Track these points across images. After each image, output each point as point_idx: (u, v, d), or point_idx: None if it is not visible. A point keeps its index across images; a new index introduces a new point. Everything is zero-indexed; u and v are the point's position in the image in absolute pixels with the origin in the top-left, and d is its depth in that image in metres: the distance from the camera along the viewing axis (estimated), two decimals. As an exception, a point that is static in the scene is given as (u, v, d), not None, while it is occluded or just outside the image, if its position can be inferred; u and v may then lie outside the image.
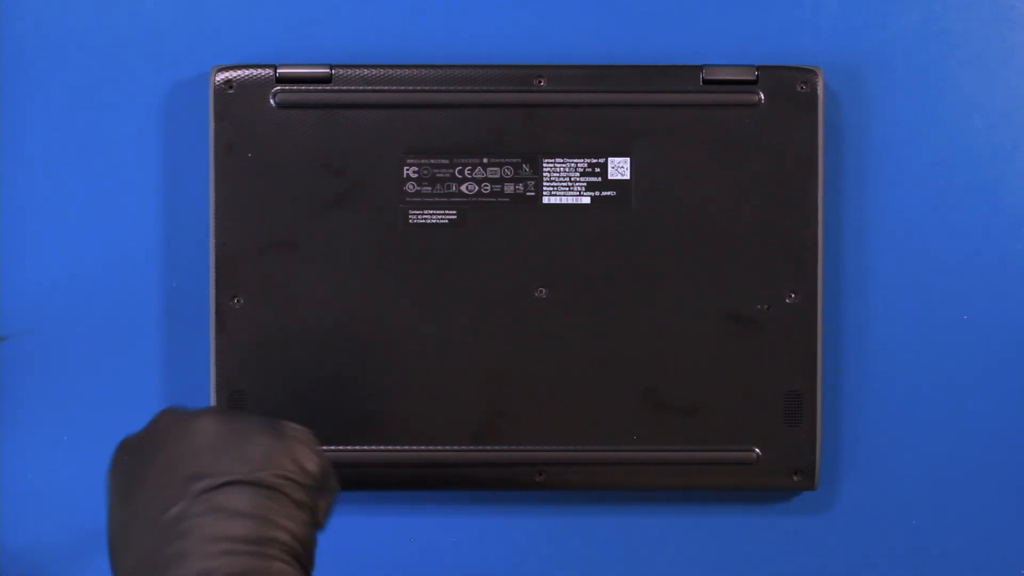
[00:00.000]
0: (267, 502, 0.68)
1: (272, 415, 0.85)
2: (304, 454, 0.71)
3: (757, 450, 0.87)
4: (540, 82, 0.86)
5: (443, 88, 0.86)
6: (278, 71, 0.86)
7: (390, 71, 0.86)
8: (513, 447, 0.86)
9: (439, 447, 0.86)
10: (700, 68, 0.86)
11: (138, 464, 0.70)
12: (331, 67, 0.86)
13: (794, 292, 0.86)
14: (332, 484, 0.72)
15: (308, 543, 0.70)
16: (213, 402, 0.85)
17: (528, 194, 0.86)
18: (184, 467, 0.69)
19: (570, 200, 0.86)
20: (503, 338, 0.86)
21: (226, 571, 0.66)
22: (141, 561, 0.67)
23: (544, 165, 0.86)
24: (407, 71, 0.86)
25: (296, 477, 0.70)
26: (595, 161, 0.86)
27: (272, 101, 0.85)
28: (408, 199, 0.86)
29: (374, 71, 0.86)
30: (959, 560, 0.90)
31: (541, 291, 0.86)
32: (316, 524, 0.71)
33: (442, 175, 0.86)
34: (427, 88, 0.86)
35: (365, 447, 0.86)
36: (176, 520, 0.67)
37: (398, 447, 0.86)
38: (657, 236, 0.86)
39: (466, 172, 0.86)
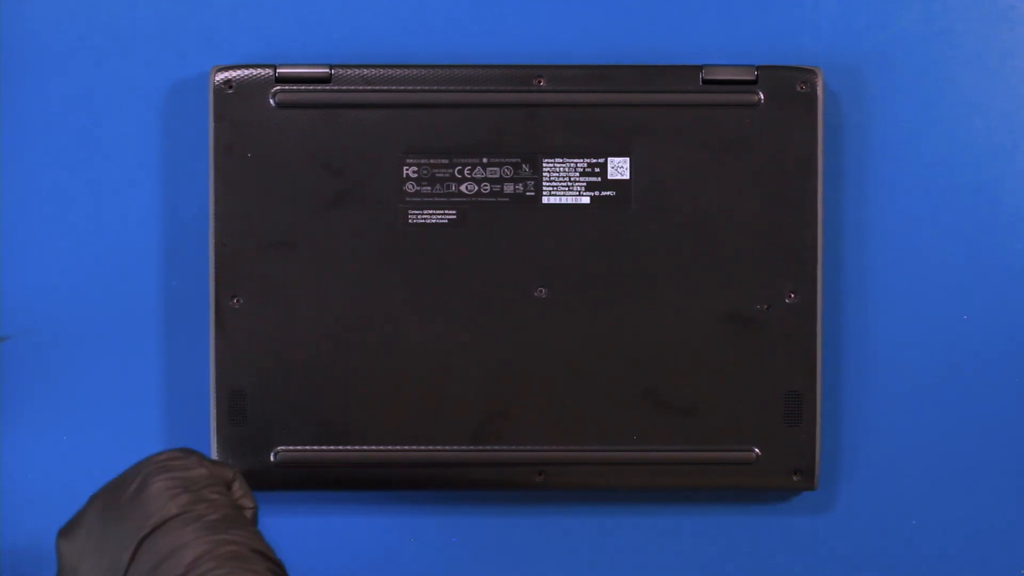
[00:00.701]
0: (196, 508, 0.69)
1: (272, 415, 0.86)
2: (253, 526, 0.72)
3: (757, 450, 0.87)
4: (540, 82, 0.86)
5: (443, 88, 0.86)
6: (278, 71, 0.86)
7: (390, 71, 0.86)
8: (513, 447, 0.86)
9: (439, 447, 0.86)
10: (700, 68, 0.86)
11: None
12: (331, 67, 0.86)
13: (794, 292, 0.86)
14: (223, 472, 0.73)
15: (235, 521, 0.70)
16: (213, 401, 0.85)
17: (528, 194, 0.86)
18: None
19: (570, 200, 0.86)
20: (503, 338, 0.86)
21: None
22: None
23: (544, 165, 0.86)
24: (407, 71, 0.86)
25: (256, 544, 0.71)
26: (595, 161, 0.86)
27: (272, 101, 0.85)
28: (408, 199, 0.86)
29: (374, 71, 0.86)
30: (959, 560, 0.90)
31: (541, 291, 0.86)
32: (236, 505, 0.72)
33: (442, 175, 0.86)
34: (427, 88, 0.86)
35: (365, 447, 0.86)
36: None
37: (398, 447, 0.86)
38: (657, 236, 0.86)
39: (466, 172, 0.86)
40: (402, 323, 0.86)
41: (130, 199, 0.88)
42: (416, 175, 0.86)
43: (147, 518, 0.70)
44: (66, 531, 0.73)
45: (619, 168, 0.86)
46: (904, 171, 0.89)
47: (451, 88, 0.86)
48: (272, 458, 0.86)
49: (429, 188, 0.86)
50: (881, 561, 0.90)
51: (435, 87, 0.86)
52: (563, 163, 0.86)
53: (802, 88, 0.86)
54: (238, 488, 0.73)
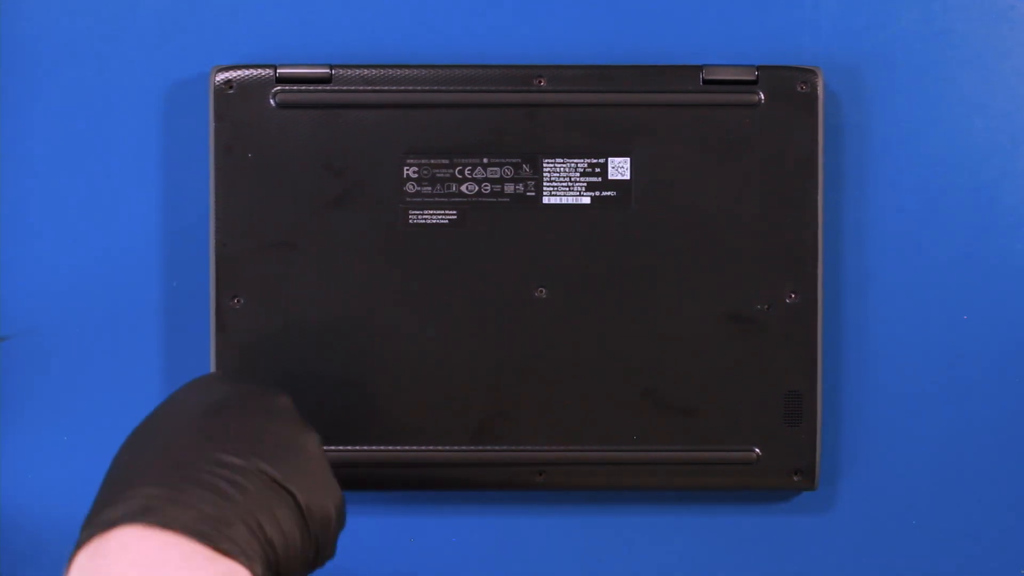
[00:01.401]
0: (296, 532, 0.70)
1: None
2: (341, 509, 0.73)
3: (757, 450, 0.87)
4: (540, 82, 0.86)
5: (443, 88, 0.86)
6: (278, 71, 0.86)
7: (390, 71, 0.86)
8: (513, 447, 0.86)
9: (439, 447, 0.86)
10: (700, 68, 0.86)
11: (223, 404, 0.71)
12: (331, 67, 0.86)
13: (794, 292, 0.86)
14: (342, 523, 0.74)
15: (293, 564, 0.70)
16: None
17: (528, 194, 0.86)
18: (262, 440, 0.70)
19: (570, 200, 0.86)
20: (503, 338, 0.86)
21: (244, 536, 0.66)
22: (179, 463, 0.68)
23: (544, 165, 0.86)
24: (407, 71, 0.86)
25: (330, 530, 0.72)
26: (595, 161, 0.86)
27: (272, 101, 0.85)
28: (408, 199, 0.86)
29: (374, 71, 0.86)
30: (959, 560, 0.90)
31: (541, 291, 0.86)
32: (315, 562, 0.72)
33: (442, 175, 0.86)
34: (427, 88, 0.86)
35: (365, 447, 0.86)
36: (231, 466, 0.68)
37: (398, 447, 0.86)
38: (657, 236, 0.86)
39: (466, 172, 0.86)
40: (402, 323, 0.86)
41: (130, 199, 0.88)
42: (416, 175, 0.86)
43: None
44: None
45: (619, 168, 0.86)
46: (904, 171, 0.89)
47: (451, 88, 0.86)
48: (272, 458, 0.86)
49: (429, 188, 0.86)
50: (881, 561, 0.90)
51: (435, 87, 0.86)
52: (563, 163, 0.86)
53: (802, 88, 0.86)
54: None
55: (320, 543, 0.71)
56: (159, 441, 0.70)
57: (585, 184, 0.86)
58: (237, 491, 0.67)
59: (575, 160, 0.86)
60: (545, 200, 0.86)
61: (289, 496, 0.69)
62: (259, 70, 0.86)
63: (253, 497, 0.67)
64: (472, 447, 0.86)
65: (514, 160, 0.86)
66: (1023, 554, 0.90)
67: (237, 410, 0.72)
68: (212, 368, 0.86)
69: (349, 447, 0.86)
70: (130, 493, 0.66)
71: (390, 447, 0.86)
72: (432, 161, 0.86)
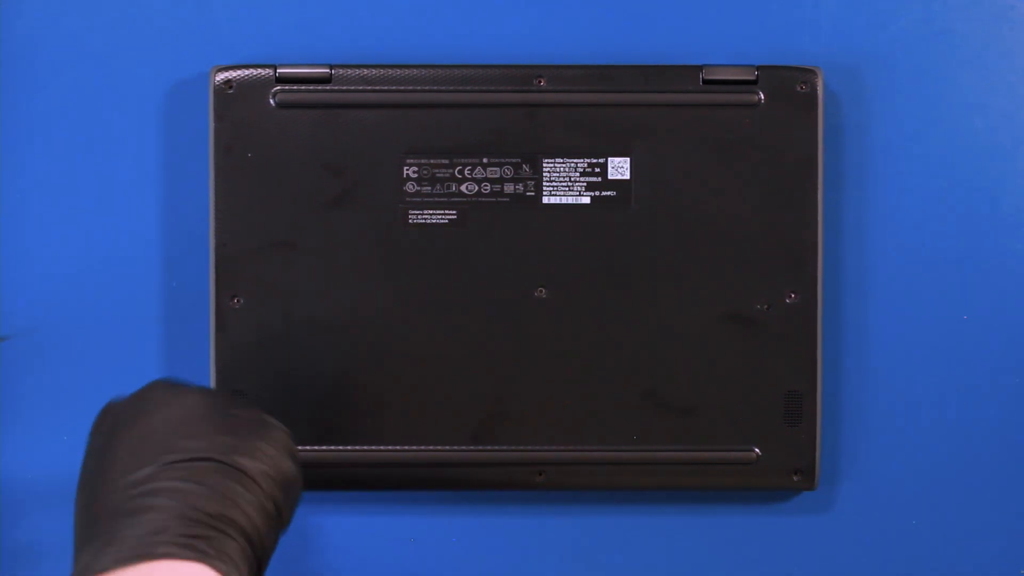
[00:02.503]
0: (235, 485, 0.69)
1: (272, 415, 0.86)
2: (280, 453, 0.71)
3: (757, 450, 0.87)
4: (540, 82, 0.86)
5: (443, 88, 0.86)
6: (278, 71, 0.86)
7: (390, 71, 0.86)
8: (513, 447, 0.86)
9: (439, 447, 0.86)
10: (700, 68, 0.86)
11: (118, 425, 0.71)
12: (331, 67, 0.86)
13: (794, 292, 0.86)
14: (299, 488, 0.72)
15: (268, 536, 0.70)
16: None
17: (528, 194, 0.86)
18: (160, 437, 0.69)
19: (570, 200, 0.86)
20: (503, 338, 0.86)
21: (179, 532, 0.66)
22: (100, 510, 0.67)
23: (544, 165, 0.86)
24: (407, 71, 0.86)
25: (269, 471, 0.70)
26: (595, 161, 0.86)
27: (272, 101, 0.85)
28: (408, 199, 0.86)
29: (374, 71, 0.86)
30: (959, 560, 0.90)
31: (541, 291, 0.86)
32: (281, 522, 0.71)
33: (442, 175, 0.86)
34: (427, 88, 0.86)
35: (364, 447, 0.86)
36: (142, 480, 0.68)
37: (398, 447, 0.86)
38: (657, 236, 0.86)
39: (466, 172, 0.86)
40: (402, 323, 0.86)
41: (130, 199, 0.88)
42: (416, 175, 0.86)
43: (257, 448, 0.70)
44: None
45: (619, 168, 0.86)
46: (904, 171, 0.89)
47: (451, 88, 0.86)
48: (272, 458, 0.86)
49: (429, 188, 0.86)
50: (881, 561, 0.90)
51: (435, 87, 0.86)
52: (563, 163, 0.86)
53: (802, 88, 0.86)
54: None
55: (274, 478, 0.70)
56: (80, 500, 0.70)
57: (585, 184, 0.86)
58: (157, 498, 0.67)
59: (575, 160, 0.86)
60: (545, 200, 0.86)
61: (209, 462, 0.69)
62: (259, 70, 0.86)
63: (175, 492, 0.67)
64: (472, 447, 0.86)
65: (514, 160, 0.86)
66: (1023, 554, 0.90)
67: (127, 425, 0.71)
68: (212, 368, 0.86)
69: (349, 447, 0.86)
70: (75, 568, 0.67)
71: (390, 447, 0.86)
72: (432, 161, 0.86)
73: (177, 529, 0.66)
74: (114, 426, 0.71)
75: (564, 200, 0.86)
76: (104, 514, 0.68)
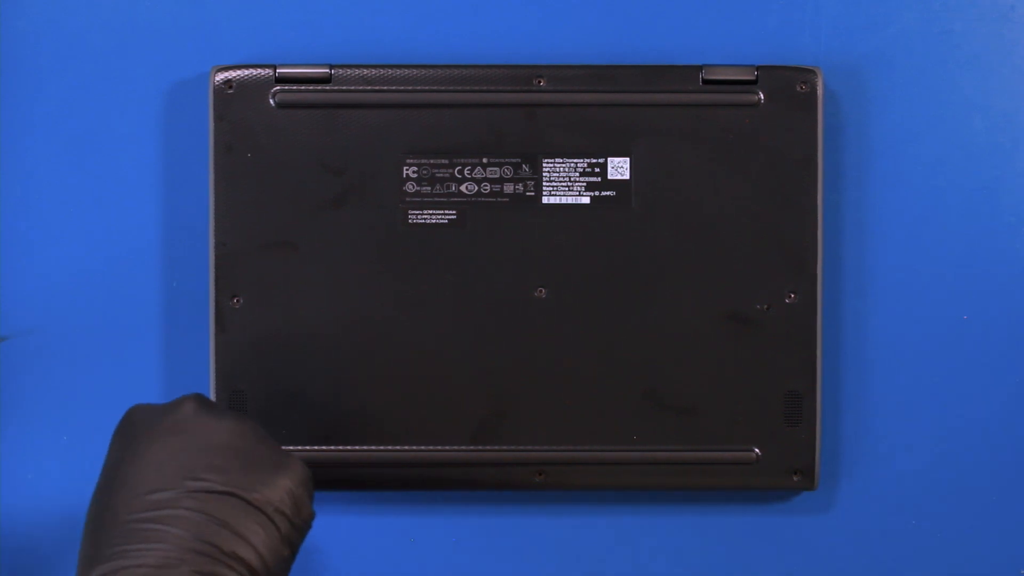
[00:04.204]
0: (253, 524, 0.69)
1: (272, 415, 0.86)
2: (303, 495, 0.71)
3: (757, 450, 0.87)
4: (540, 82, 0.86)
5: (443, 88, 0.86)
6: (278, 71, 0.86)
7: (390, 71, 0.86)
8: (513, 447, 0.86)
9: (439, 447, 0.86)
10: (700, 68, 0.86)
11: (146, 438, 0.70)
12: (331, 67, 0.86)
13: (794, 292, 0.86)
14: (309, 527, 0.73)
15: None
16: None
17: (528, 194, 0.86)
18: (187, 460, 0.69)
19: (570, 200, 0.86)
20: (503, 338, 0.86)
21: (189, 567, 0.66)
22: (113, 525, 0.67)
23: (544, 165, 0.86)
24: (407, 71, 0.86)
25: (289, 514, 0.70)
26: (595, 161, 0.86)
27: (272, 101, 0.85)
28: (408, 199, 0.86)
29: (374, 71, 0.86)
30: (959, 560, 0.90)
31: (541, 291, 0.86)
32: (291, 562, 0.71)
33: (442, 175, 0.86)
34: (427, 88, 0.86)
35: (365, 447, 0.86)
36: (162, 503, 0.68)
37: (398, 447, 0.86)
38: (657, 236, 0.86)
39: (466, 172, 0.86)
40: (402, 323, 0.86)
41: (130, 199, 0.88)
42: (416, 175, 0.86)
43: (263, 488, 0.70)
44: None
45: (619, 168, 0.86)
46: (904, 171, 0.89)
47: (451, 88, 0.86)
48: (272, 458, 0.86)
49: (429, 188, 0.86)
50: (881, 561, 0.90)
51: (435, 87, 0.86)
52: (563, 163, 0.86)
53: (802, 88, 0.86)
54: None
55: (291, 520, 0.70)
56: (97, 504, 0.70)
57: (585, 184, 0.86)
58: (172, 527, 0.67)
59: (575, 160, 0.86)
60: (545, 200, 0.86)
61: (231, 497, 0.69)
62: (259, 70, 0.86)
63: (191, 523, 0.67)
64: (472, 447, 0.86)
65: (514, 160, 0.86)
66: (1023, 554, 0.90)
67: (156, 439, 0.71)
68: (212, 368, 0.86)
69: (349, 447, 0.86)
70: None
71: (390, 447, 0.86)
72: (432, 161, 0.86)
73: (187, 563, 0.66)
74: (141, 436, 0.71)
75: (564, 200, 0.86)
76: (117, 532, 0.68)
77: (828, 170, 0.87)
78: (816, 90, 0.86)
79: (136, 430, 0.72)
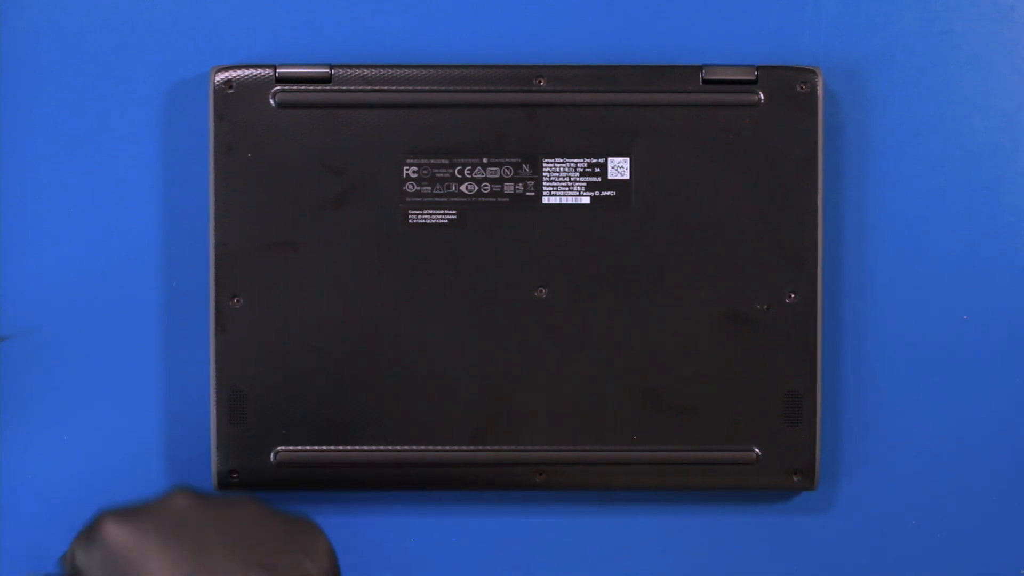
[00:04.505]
0: None
1: (272, 415, 0.86)
2: (330, 545, 0.74)
3: (757, 450, 0.87)
4: (540, 82, 0.86)
5: (443, 88, 0.86)
6: (278, 71, 0.86)
7: (390, 71, 0.86)
8: (513, 447, 0.86)
9: (439, 447, 0.86)
10: (700, 68, 0.86)
11: (156, 550, 0.70)
12: (331, 67, 0.86)
13: (794, 292, 0.86)
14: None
15: None
16: (213, 401, 0.85)
17: (528, 194, 0.86)
18: (250, 551, 0.70)
19: (570, 200, 0.86)
20: (503, 338, 0.86)
21: None
22: None
23: (544, 165, 0.86)
24: (407, 71, 0.86)
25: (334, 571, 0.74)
26: (595, 161, 0.86)
27: (272, 101, 0.85)
28: (408, 199, 0.86)
29: (374, 71, 0.86)
30: (959, 560, 0.90)
31: (541, 291, 0.86)
32: None
33: (442, 175, 0.86)
34: (427, 88, 0.86)
35: (365, 447, 0.86)
36: None
37: (398, 447, 0.86)
38: (657, 236, 0.86)
39: (466, 172, 0.86)
40: (402, 323, 0.86)
41: (130, 199, 0.88)
42: (416, 175, 0.86)
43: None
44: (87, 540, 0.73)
45: (619, 168, 0.86)
46: (904, 171, 0.89)
47: (451, 88, 0.86)
48: (272, 458, 0.86)
49: (429, 188, 0.86)
50: (881, 561, 0.90)
51: (435, 87, 0.86)
52: (563, 163, 0.86)
53: (802, 88, 0.86)
54: None
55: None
56: None
57: (585, 184, 0.86)
58: None
59: (575, 160, 0.86)
60: (545, 200, 0.86)
61: None
62: (259, 70, 0.86)
63: None
64: (472, 447, 0.86)
65: (514, 160, 0.86)
66: (1023, 554, 0.90)
67: (152, 560, 0.72)
68: (212, 368, 0.86)
69: (349, 447, 0.86)
70: None
71: (390, 447, 0.86)
72: (432, 161, 0.86)
73: None
74: (148, 549, 0.71)
75: (564, 200, 0.86)
76: None
77: (828, 170, 0.87)
78: (816, 90, 0.86)
79: (130, 546, 0.72)
